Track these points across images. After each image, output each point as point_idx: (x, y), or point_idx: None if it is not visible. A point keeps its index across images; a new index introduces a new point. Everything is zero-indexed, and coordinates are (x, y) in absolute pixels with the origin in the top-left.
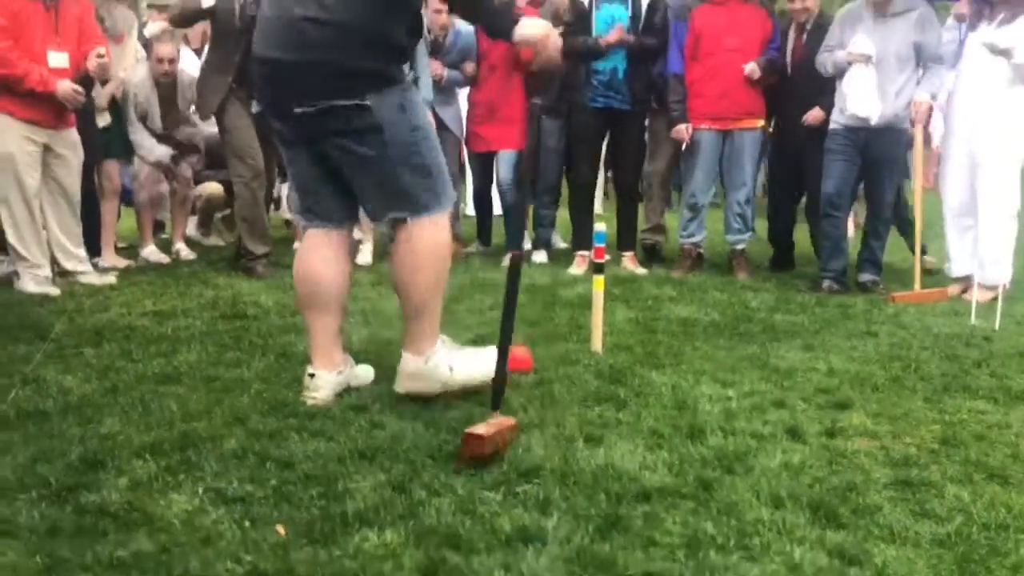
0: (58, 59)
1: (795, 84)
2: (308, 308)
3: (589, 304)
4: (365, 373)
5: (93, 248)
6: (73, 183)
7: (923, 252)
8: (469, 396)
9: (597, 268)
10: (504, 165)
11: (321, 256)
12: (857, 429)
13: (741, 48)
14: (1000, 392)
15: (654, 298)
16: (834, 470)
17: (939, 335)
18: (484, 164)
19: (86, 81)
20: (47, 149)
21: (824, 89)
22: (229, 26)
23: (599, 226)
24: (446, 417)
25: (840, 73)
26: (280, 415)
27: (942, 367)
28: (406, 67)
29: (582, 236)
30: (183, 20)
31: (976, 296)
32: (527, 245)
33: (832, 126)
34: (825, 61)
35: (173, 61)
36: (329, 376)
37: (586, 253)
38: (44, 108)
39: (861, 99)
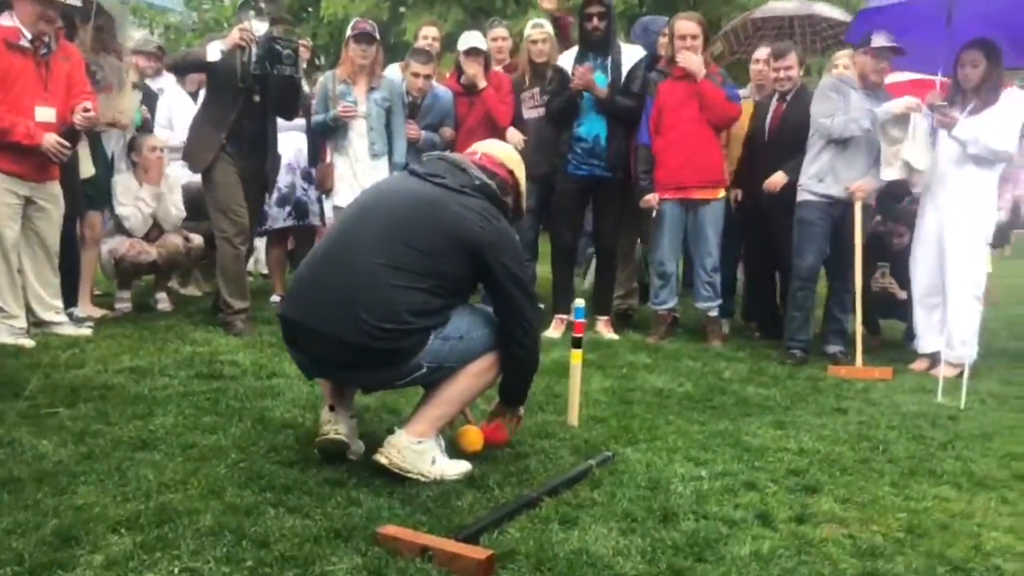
0: (46, 114)
1: (772, 151)
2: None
3: (565, 372)
4: (358, 447)
5: (70, 298)
6: (53, 235)
7: None
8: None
9: (576, 343)
10: None
11: None
12: (826, 515)
13: (701, 119)
14: (964, 477)
15: (629, 365)
16: (803, 560)
17: (906, 414)
18: None
19: (72, 135)
20: (29, 201)
21: (795, 156)
22: (229, 82)
23: (579, 301)
24: (422, 495)
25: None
26: (257, 487)
27: (909, 448)
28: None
29: (561, 299)
30: (180, 69)
31: (943, 372)
32: None
33: (807, 197)
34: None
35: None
36: (345, 414)
37: (564, 316)
38: (28, 161)
39: (921, 150)
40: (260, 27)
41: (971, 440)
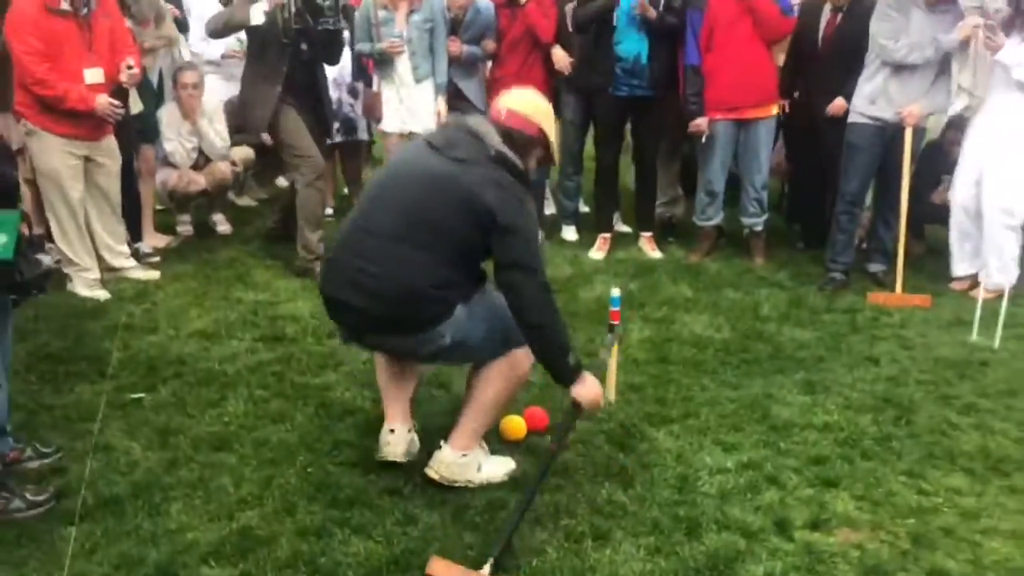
0: (94, 75)
1: (827, 66)
2: (387, 375)
3: (605, 315)
4: (414, 448)
5: (135, 232)
6: (114, 187)
7: None
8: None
9: (612, 328)
10: None
11: None
12: (840, 518)
13: (753, 35)
14: (980, 458)
15: (670, 302)
16: None
17: (938, 360)
18: None
19: (121, 92)
20: (88, 159)
21: (852, 72)
22: (273, 39)
23: (615, 291)
24: (471, 507)
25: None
26: (324, 502)
27: (932, 416)
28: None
29: (604, 217)
30: (222, 33)
31: (982, 293)
32: (549, 209)
33: (858, 119)
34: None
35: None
36: (404, 431)
37: (607, 235)
38: (83, 123)
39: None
40: None
41: (998, 397)
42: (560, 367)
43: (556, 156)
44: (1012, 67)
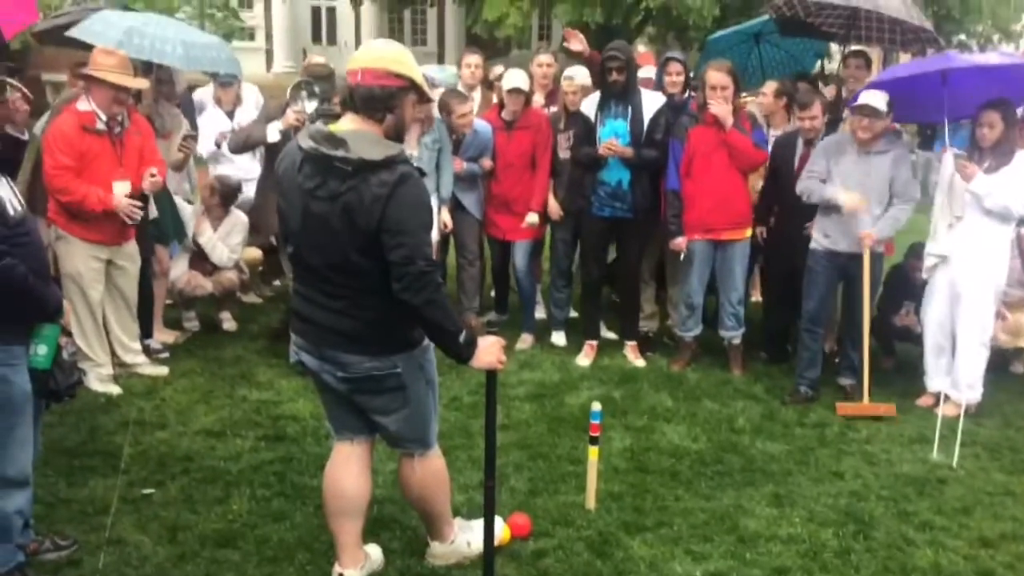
0: (121, 187)
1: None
2: (336, 516)
3: (587, 425)
4: (376, 555)
5: (146, 328)
6: (132, 289)
7: None
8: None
9: (592, 440)
10: (520, 254)
11: (348, 471)
12: None
13: (730, 164)
14: (932, 574)
15: (650, 412)
16: None
17: (899, 477)
18: (502, 245)
19: (143, 196)
20: (110, 263)
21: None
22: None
23: (595, 406)
24: None
25: (824, 203)
26: None
27: (890, 531)
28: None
29: (590, 326)
30: (243, 149)
31: (944, 411)
32: (540, 314)
33: (815, 246)
34: (810, 189)
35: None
36: (357, 574)
37: (594, 343)
38: (106, 229)
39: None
40: (311, 106)
41: (952, 515)
42: (448, 344)
43: (427, 94)
44: (984, 197)
